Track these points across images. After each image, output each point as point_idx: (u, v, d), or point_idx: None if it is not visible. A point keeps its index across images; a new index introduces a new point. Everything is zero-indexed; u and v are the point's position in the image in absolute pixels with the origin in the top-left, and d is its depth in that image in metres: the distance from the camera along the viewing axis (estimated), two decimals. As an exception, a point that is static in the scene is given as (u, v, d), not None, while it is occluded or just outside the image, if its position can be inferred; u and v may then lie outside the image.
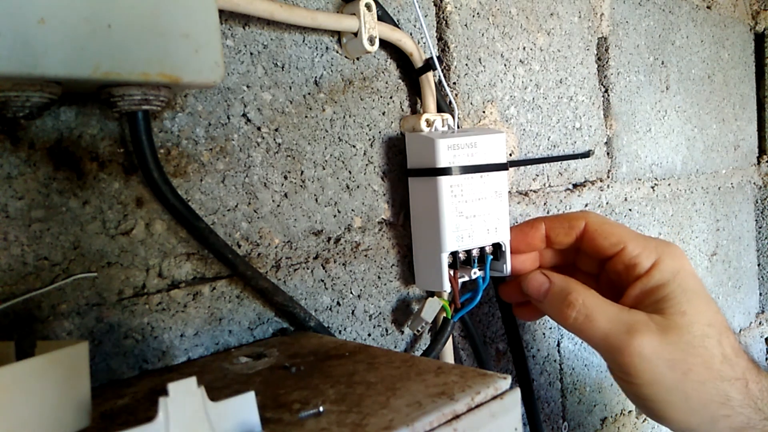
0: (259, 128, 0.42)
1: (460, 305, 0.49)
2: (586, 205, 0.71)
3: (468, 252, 0.48)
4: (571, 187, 0.70)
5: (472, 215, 0.47)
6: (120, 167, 0.36)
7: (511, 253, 0.50)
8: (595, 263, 0.50)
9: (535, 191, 0.64)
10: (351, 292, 0.48)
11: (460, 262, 0.48)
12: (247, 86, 0.41)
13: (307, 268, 0.45)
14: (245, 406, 0.25)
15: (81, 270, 0.35)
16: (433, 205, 0.46)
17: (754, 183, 1.11)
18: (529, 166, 0.63)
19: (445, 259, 0.47)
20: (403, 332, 0.52)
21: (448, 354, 0.53)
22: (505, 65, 0.60)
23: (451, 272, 0.47)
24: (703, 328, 0.42)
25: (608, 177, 0.75)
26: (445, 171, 0.45)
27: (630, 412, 0.78)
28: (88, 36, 0.27)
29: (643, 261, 0.45)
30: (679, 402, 0.41)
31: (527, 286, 0.48)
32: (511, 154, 0.61)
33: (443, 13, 0.55)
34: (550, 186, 0.66)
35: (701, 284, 0.45)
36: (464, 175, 0.46)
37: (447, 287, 0.47)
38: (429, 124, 0.50)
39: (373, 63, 0.49)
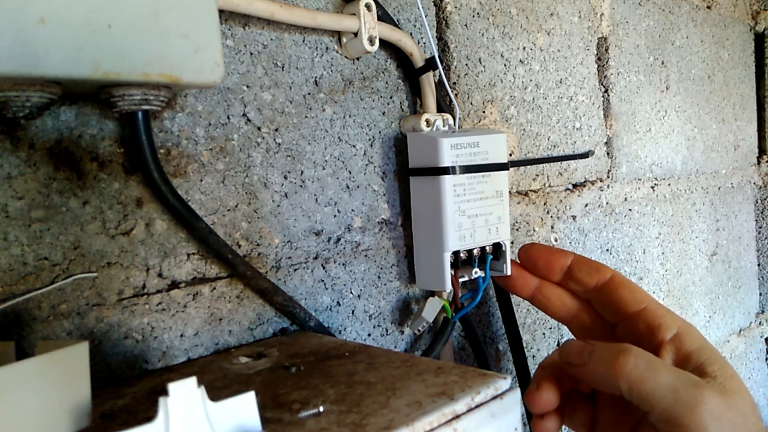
0: (259, 128, 0.42)
1: (461, 305, 0.49)
2: (586, 206, 0.71)
3: (469, 252, 0.48)
4: (571, 187, 0.70)
5: (474, 215, 0.47)
6: (120, 167, 0.36)
7: (527, 267, 0.49)
8: (606, 321, 0.47)
9: (535, 191, 0.64)
10: (351, 292, 0.48)
11: (461, 261, 0.48)
12: (247, 86, 0.41)
13: (307, 268, 0.45)
14: (245, 406, 0.25)
15: (81, 270, 0.35)
16: (436, 205, 0.46)
17: (754, 183, 1.11)
18: (529, 166, 0.63)
19: (448, 259, 0.47)
20: (403, 332, 0.52)
21: (448, 354, 0.53)
22: (505, 65, 0.60)
23: (452, 272, 0.47)
24: (750, 396, 0.39)
25: (608, 177, 0.75)
26: (449, 170, 0.45)
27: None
28: (88, 36, 0.27)
29: (668, 324, 0.42)
30: None
31: (567, 351, 0.42)
32: (511, 154, 0.61)
33: (443, 13, 0.55)
34: (550, 186, 0.66)
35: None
36: (467, 175, 0.46)
37: (449, 287, 0.47)
38: (429, 124, 0.50)
39: (373, 63, 0.49)
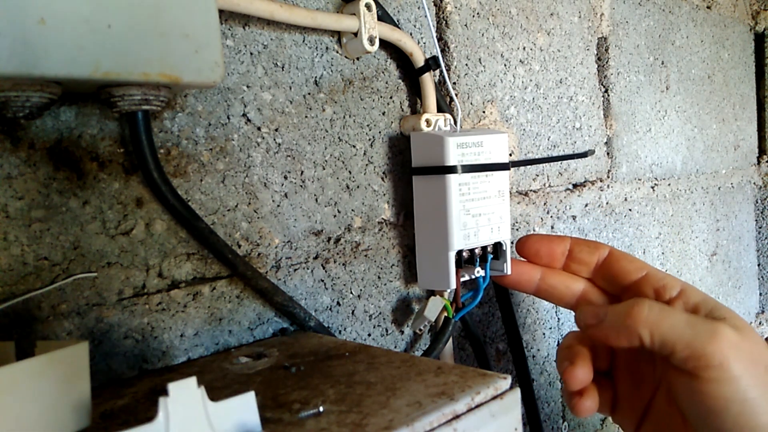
0: (259, 128, 0.42)
1: (461, 304, 0.49)
2: (586, 205, 0.71)
3: (471, 251, 0.48)
4: (571, 187, 0.70)
5: (478, 214, 0.47)
6: (120, 167, 0.36)
7: (529, 258, 0.49)
8: (611, 295, 0.48)
9: (535, 191, 0.64)
10: (351, 292, 0.48)
11: (463, 260, 0.48)
12: (247, 86, 0.41)
13: (307, 268, 0.45)
14: (245, 406, 0.25)
15: (81, 270, 0.35)
16: (441, 204, 0.46)
17: (754, 183, 1.11)
18: (529, 166, 0.63)
19: (452, 258, 0.47)
20: (403, 332, 0.52)
21: (448, 354, 0.53)
22: (505, 65, 0.60)
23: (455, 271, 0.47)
24: (758, 334, 0.40)
25: (608, 177, 0.75)
26: (454, 169, 0.45)
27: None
28: (88, 36, 0.27)
29: (671, 284, 0.44)
30: (766, 403, 0.38)
31: (583, 313, 0.43)
32: (511, 154, 0.61)
33: (443, 13, 0.55)
34: (550, 186, 0.66)
35: None
36: (471, 174, 0.46)
37: (453, 286, 0.47)
38: (429, 123, 0.50)
39: (373, 63, 0.49)
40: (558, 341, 0.67)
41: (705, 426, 0.39)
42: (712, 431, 0.38)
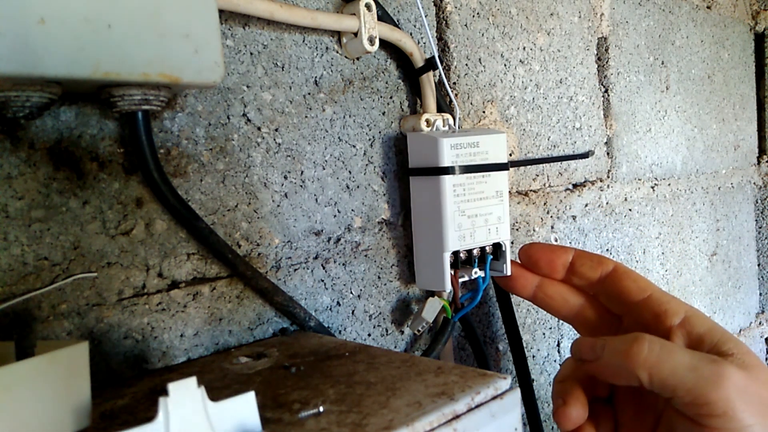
0: (259, 128, 0.42)
1: (461, 305, 0.49)
2: (586, 205, 0.71)
3: (469, 252, 0.48)
4: (571, 187, 0.70)
5: (474, 215, 0.47)
6: (120, 167, 0.36)
7: (528, 267, 0.48)
8: (611, 314, 0.46)
9: (535, 191, 0.64)
10: (351, 292, 0.48)
11: (461, 261, 0.48)
12: (247, 86, 0.41)
13: (307, 268, 0.45)
14: (245, 406, 0.25)
15: (81, 270, 0.35)
16: (436, 205, 0.46)
17: (754, 183, 1.11)
18: (529, 166, 0.63)
19: (447, 259, 0.47)
20: (403, 332, 0.52)
21: (448, 354, 0.53)
22: (505, 65, 0.60)
23: (452, 272, 0.47)
24: None
25: (608, 177, 0.75)
26: (448, 170, 0.45)
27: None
28: (88, 36, 0.27)
29: (674, 309, 0.41)
30: None
31: (579, 348, 0.41)
32: (511, 154, 0.61)
33: (443, 13, 0.55)
34: (550, 186, 0.66)
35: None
36: (467, 175, 0.46)
37: (448, 287, 0.47)
38: (429, 124, 0.50)
39: (373, 63, 0.49)
40: (558, 341, 0.67)
41: None
42: None
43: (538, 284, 0.47)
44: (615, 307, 0.45)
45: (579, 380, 0.42)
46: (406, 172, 0.50)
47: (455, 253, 0.47)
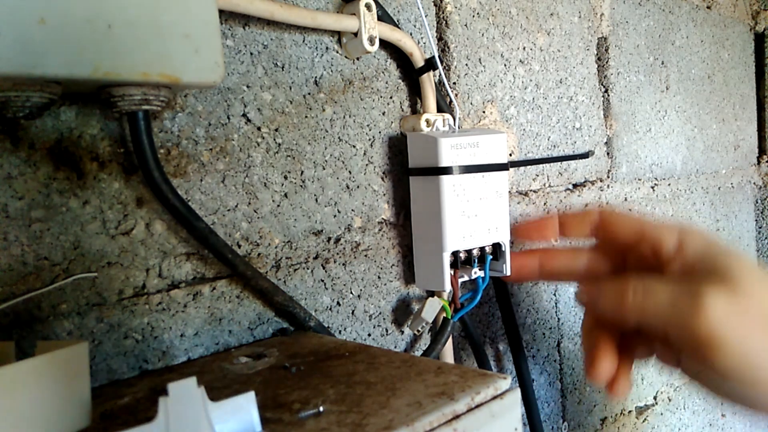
0: (259, 128, 0.42)
1: (460, 305, 0.49)
2: (586, 206, 0.71)
3: (468, 252, 0.48)
4: (571, 187, 0.70)
5: (474, 215, 0.47)
6: (120, 167, 0.36)
7: (523, 237, 0.48)
8: (614, 259, 0.46)
9: (535, 191, 0.64)
10: (351, 292, 0.48)
11: (460, 261, 0.48)
12: (247, 86, 0.41)
13: (307, 268, 0.45)
14: (245, 406, 0.25)
15: (81, 270, 0.35)
16: (435, 205, 0.46)
17: (754, 183, 1.11)
18: (529, 166, 0.63)
19: (447, 259, 0.47)
20: (403, 332, 0.52)
21: (448, 354, 0.53)
22: (505, 65, 0.60)
23: (451, 272, 0.47)
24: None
25: (608, 177, 0.75)
26: (448, 170, 0.45)
27: (630, 412, 0.78)
28: (88, 36, 0.27)
29: (667, 238, 0.41)
30: None
31: (579, 297, 0.42)
32: (511, 154, 0.61)
33: (443, 13, 0.55)
34: (550, 186, 0.66)
35: (734, 248, 0.40)
36: (466, 175, 0.46)
37: (448, 287, 0.47)
38: (429, 124, 0.50)
39: (373, 63, 0.49)
40: (558, 341, 0.67)
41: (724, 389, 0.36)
42: (733, 393, 0.36)
43: (539, 263, 0.47)
44: (616, 251, 0.45)
45: (604, 322, 0.42)
46: (406, 172, 0.50)
47: (455, 253, 0.47)
